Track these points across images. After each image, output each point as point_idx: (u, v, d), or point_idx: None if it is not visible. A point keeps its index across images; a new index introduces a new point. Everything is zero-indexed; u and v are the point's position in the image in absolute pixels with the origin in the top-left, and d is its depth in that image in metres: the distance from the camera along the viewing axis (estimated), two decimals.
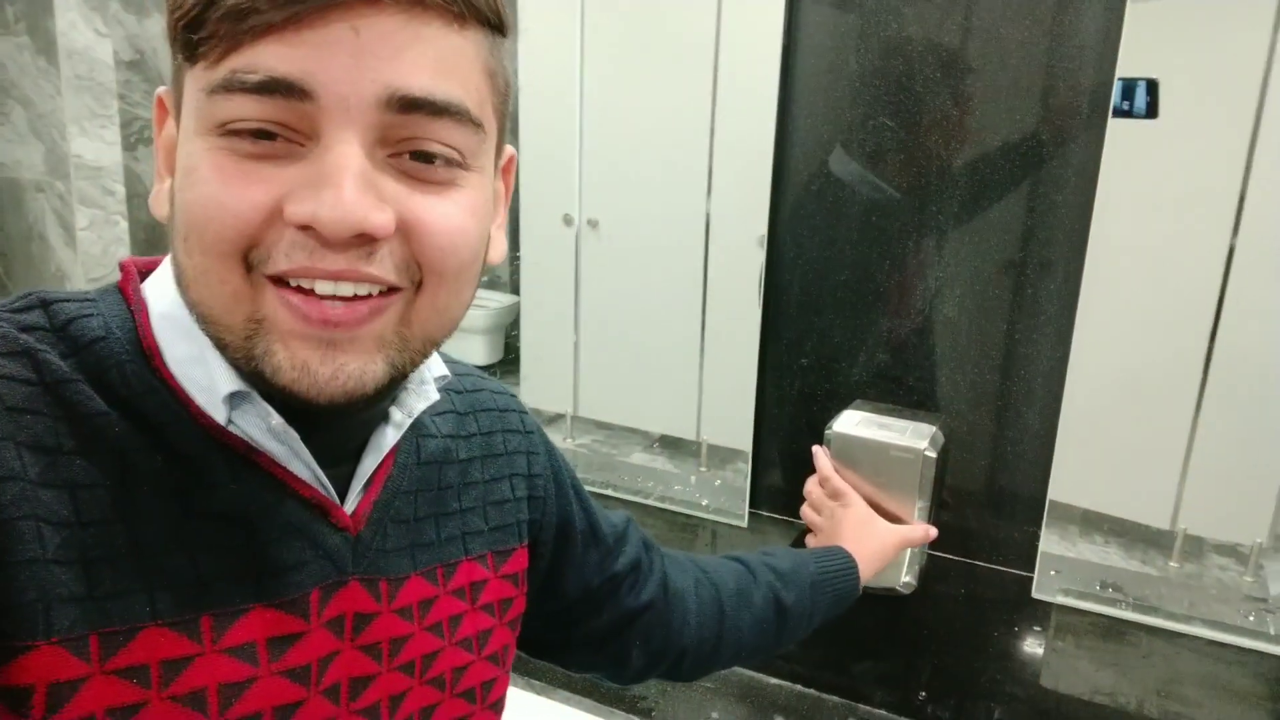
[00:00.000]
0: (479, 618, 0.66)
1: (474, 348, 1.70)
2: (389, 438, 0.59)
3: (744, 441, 1.37)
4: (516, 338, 1.59)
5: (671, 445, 1.51)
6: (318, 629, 0.54)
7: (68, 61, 1.49)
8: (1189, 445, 1.08)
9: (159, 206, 0.52)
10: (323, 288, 0.47)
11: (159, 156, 0.52)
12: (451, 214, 0.49)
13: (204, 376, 0.50)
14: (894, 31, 1.07)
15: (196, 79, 0.46)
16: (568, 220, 1.47)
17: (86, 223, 1.53)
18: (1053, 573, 1.12)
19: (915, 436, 1.06)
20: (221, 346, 0.48)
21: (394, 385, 0.52)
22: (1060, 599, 1.11)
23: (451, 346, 0.75)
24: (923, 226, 1.08)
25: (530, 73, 1.43)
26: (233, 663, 0.49)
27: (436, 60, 0.47)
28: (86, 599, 0.45)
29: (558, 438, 1.55)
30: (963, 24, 1.03)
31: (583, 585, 0.78)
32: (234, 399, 0.50)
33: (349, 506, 0.57)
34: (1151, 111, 1.00)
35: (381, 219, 0.46)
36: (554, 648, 0.81)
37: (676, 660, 0.85)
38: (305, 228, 0.45)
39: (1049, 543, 1.12)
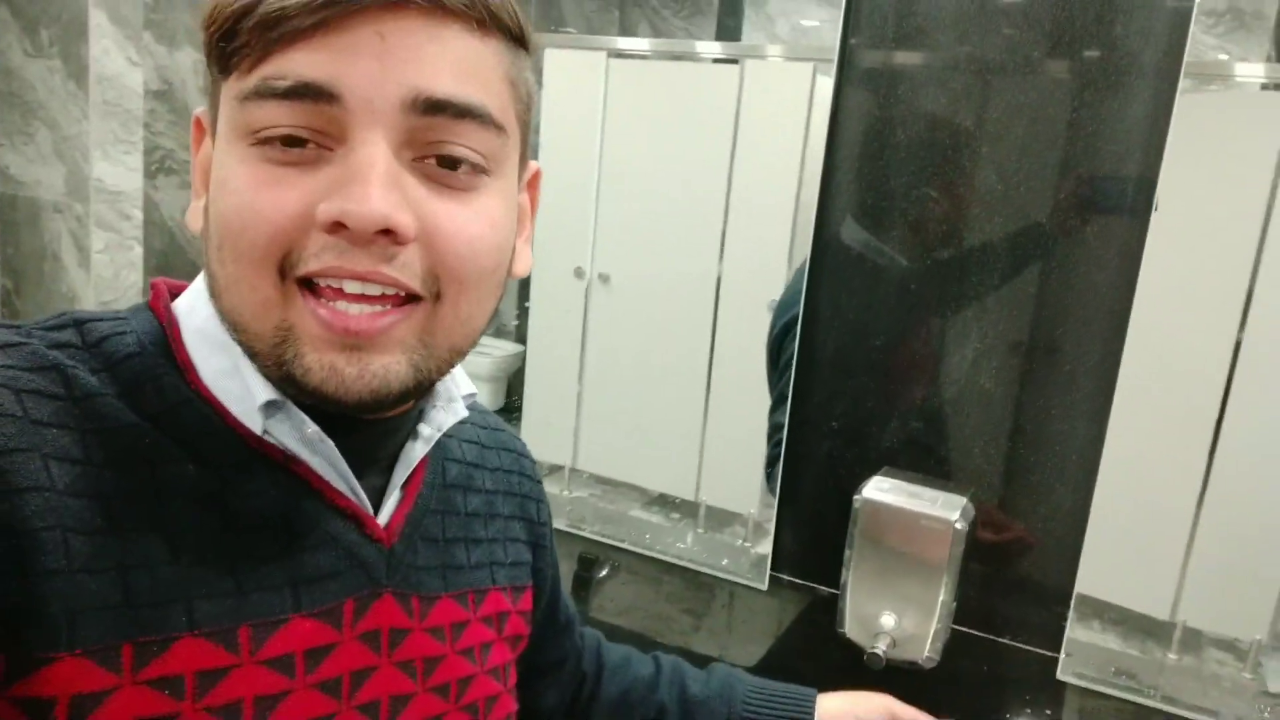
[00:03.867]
0: (503, 649, 0.66)
1: (478, 395, 1.69)
2: (418, 451, 0.59)
3: (744, 505, 1.36)
4: (519, 387, 1.58)
5: (668, 504, 1.50)
6: (350, 641, 0.54)
7: (98, 87, 1.51)
8: (1191, 537, 1.08)
9: (194, 221, 0.53)
10: (350, 287, 0.48)
11: (196, 175, 0.54)
12: (471, 220, 0.51)
13: (238, 388, 0.51)
14: (940, 106, 1.09)
15: (230, 89, 0.48)
16: (579, 273, 1.48)
17: (102, 245, 1.53)
18: (1065, 655, 1.11)
19: (946, 507, 1.06)
20: (252, 354, 0.49)
21: (420, 390, 0.53)
22: (1086, 683, 1.09)
23: None
24: (962, 296, 1.08)
25: (551, 125, 1.46)
26: (270, 674, 0.49)
27: (458, 63, 0.49)
28: (122, 607, 0.45)
29: (555, 488, 1.54)
30: (1010, 103, 1.05)
31: (534, 658, 0.75)
32: (269, 408, 0.50)
33: (382, 519, 0.57)
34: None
35: (406, 218, 0.47)
36: None
37: None
38: (335, 227, 0.46)
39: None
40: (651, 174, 1.41)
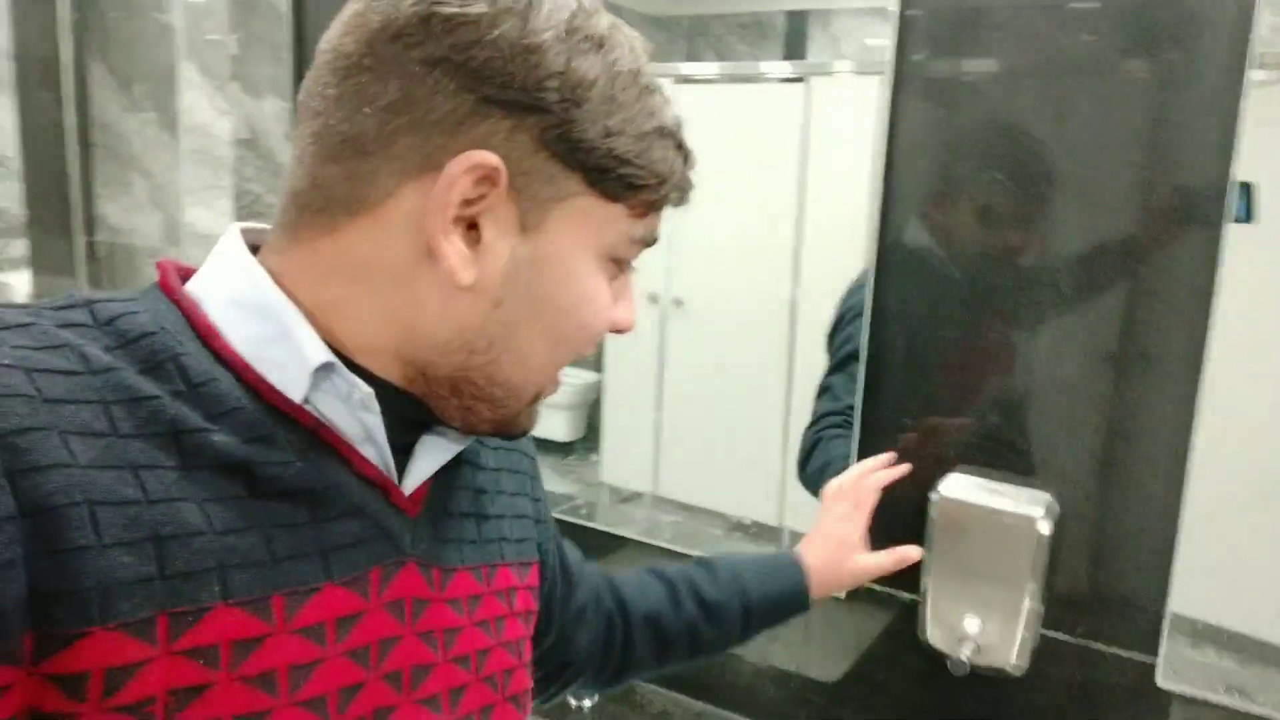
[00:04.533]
0: (517, 624, 0.66)
1: (556, 424, 1.70)
2: (450, 436, 0.60)
3: None
4: (597, 415, 1.59)
5: (751, 530, 1.48)
6: (377, 609, 0.54)
7: (188, 136, 1.58)
8: None
9: (471, 274, 0.51)
10: None
11: (453, 214, 0.50)
12: None
13: (284, 354, 0.51)
14: (1003, 105, 1.06)
15: (610, 214, 0.54)
16: (653, 299, 1.48)
17: None
18: (1164, 661, 1.05)
19: (1030, 504, 1.01)
20: (491, 401, 0.56)
21: None
22: (1188, 689, 1.02)
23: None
24: (1036, 283, 1.04)
25: None
26: (304, 643, 0.49)
27: None
28: (156, 579, 0.44)
29: (638, 514, 1.53)
30: (1079, 103, 1.01)
31: (555, 621, 0.79)
32: (319, 371, 0.51)
33: (406, 489, 0.57)
34: (1248, 215, 0.97)
35: None
36: None
37: (570, 685, 0.88)
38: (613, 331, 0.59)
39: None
40: (722, 197, 1.41)
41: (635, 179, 0.53)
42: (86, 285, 1.67)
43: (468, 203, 0.50)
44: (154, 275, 0.55)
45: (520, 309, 0.53)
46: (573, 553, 0.84)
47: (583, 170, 0.52)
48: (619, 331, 0.59)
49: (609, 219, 0.54)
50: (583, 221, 0.53)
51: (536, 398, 0.58)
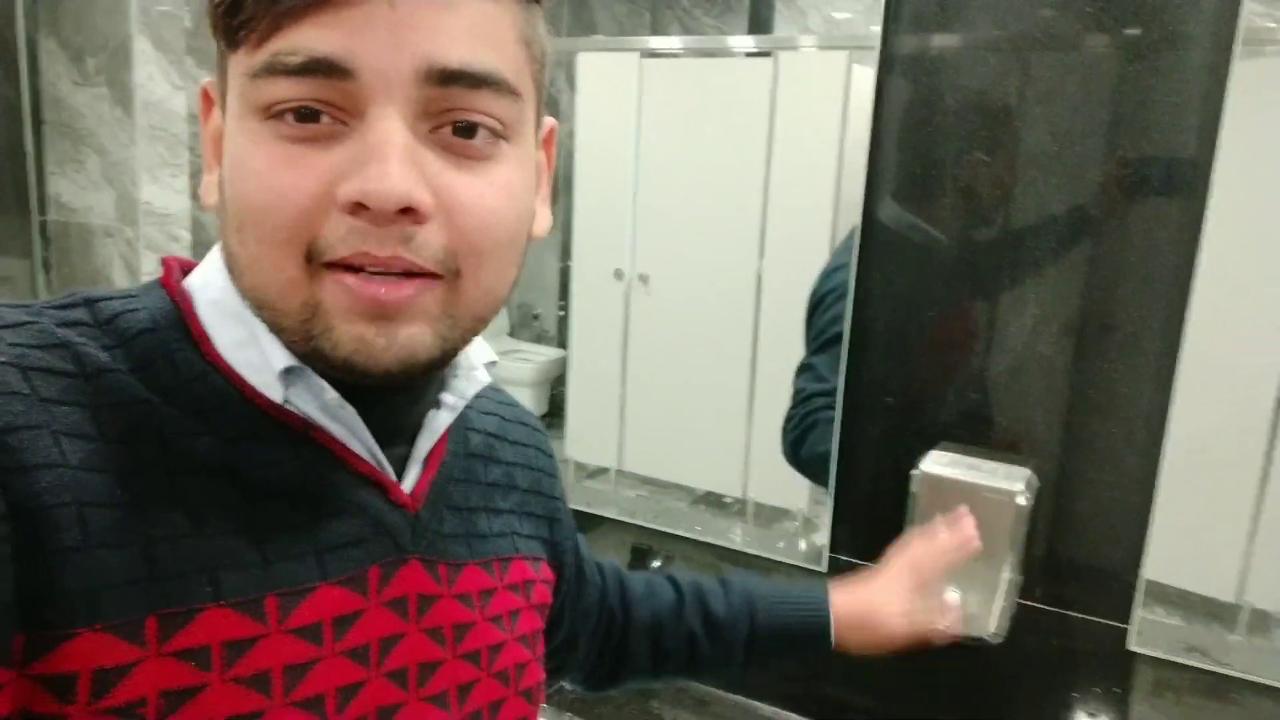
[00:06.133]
0: (533, 617, 0.66)
1: (520, 400, 1.70)
2: (443, 419, 0.59)
3: (792, 501, 1.35)
4: (562, 392, 1.59)
5: (715, 503, 1.50)
6: (376, 607, 0.53)
7: (143, 112, 1.54)
8: (1256, 516, 1.05)
9: (209, 196, 0.52)
10: (372, 268, 0.47)
11: (206, 147, 0.53)
12: (489, 193, 0.49)
13: (257, 357, 0.50)
14: (987, 82, 1.07)
15: (239, 64, 0.47)
16: (618, 275, 1.48)
17: (152, 267, 1.56)
18: (1136, 628, 1.09)
19: (1008, 479, 1.04)
20: (278, 330, 0.49)
21: (445, 359, 0.52)
22: (1159, 653, 1.07)
23: None
24: (1018, 262, 1.07)
25: (586, 127, 1.46)
26: (299, 643, 0.49)
27: (471, 29, 0.47)
28: (146, 580, 0.44)
29: (603, 489, 1.54)
30: (1059, 78, 1.03)
31: (568, 620, 0.77)
32: (288, 376, 0.50)
33: (406, 485, 0.57)
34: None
35: (425, 196, 0.46)
36: None
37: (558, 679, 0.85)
38: (356, 209, 0.45)
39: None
40: (688, 172, 1.41)
41: (218, 12, 0.47)
42: (40, 266, 1.64)
43: (219, 134, 0.51)
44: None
45: (227, 211, 0.49)
46: (585, 549, 0.82)
47: (222, 42, 0.49)
48: (354, 204, 0.45)
49: (238, 69, 0.47)
50: (234, 89, 0.48)
51: (310, 309, 0.47)
